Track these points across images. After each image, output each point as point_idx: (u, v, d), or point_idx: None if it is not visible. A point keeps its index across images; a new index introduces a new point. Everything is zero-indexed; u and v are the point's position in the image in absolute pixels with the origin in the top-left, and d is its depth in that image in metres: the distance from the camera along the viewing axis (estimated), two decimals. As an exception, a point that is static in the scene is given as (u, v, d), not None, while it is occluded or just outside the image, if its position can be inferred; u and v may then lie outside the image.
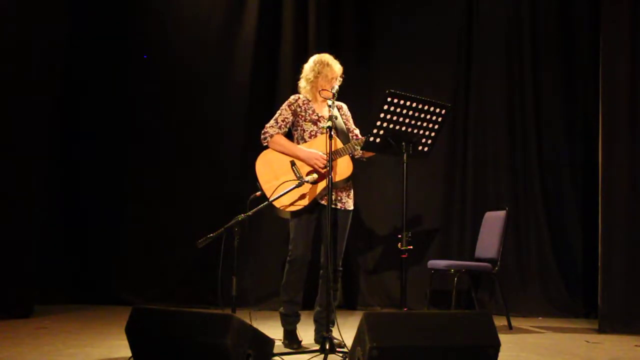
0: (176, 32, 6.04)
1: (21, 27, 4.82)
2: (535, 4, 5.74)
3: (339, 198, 3.72)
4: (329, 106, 3.45)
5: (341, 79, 3.79)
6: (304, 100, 3.80)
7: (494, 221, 4.91)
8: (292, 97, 3.84)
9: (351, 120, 3.94)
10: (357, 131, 3.90)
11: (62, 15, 5.27)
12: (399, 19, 5.96)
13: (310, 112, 3.77)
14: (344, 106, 3.95)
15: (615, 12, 4.70)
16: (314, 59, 3.84)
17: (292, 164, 3.65)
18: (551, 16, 5.72)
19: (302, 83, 3.85)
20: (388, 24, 5.98)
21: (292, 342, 3.67)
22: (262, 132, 3.77)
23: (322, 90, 3.73)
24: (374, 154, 3.67)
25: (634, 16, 4.65)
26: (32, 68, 4.89)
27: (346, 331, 3.51)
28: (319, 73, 3.77)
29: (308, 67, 3.84)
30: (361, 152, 3.73)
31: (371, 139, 3.32)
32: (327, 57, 3.81)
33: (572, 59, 5.69)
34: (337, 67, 3.79)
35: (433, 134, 3.43)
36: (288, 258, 3.70)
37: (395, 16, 5.97)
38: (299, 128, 3.79)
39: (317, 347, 3.49)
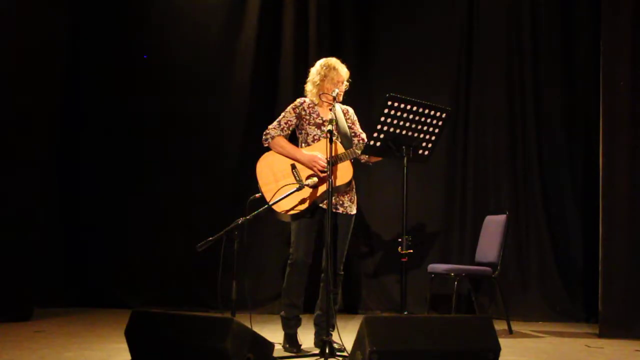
0: (176, 36, 6.04)
1: (21, 27, 4.83)
2: (536, 4, 5.73)
3: (341, 202, 3.71)
4: (330, 109, 3.44)
5: (348, 84, 3.79)
6: (309, 104, 3.79)
7: (494, 225, 4.90)
8: (298, 100, 3.83)
9: (357, 124, 3.92)
10: (363, 135, 3.86)
11: (62, 17, 5.29)
12: (399, 22, 5.95)
13: (314, 115, 3.76)
14: (350, 110, 3.93)
15: (616, 10, 4.69)
16: (320, 62, 3.83)
17: (293, 167, 3.64)
18: (552, 15, 5.71)
19: (309, 86, 3.84)
20: (388, 26, 5.97)
21: (292, 345, 3.66)
22: (264, 132, 3.75)
23: (323, 94, 3.73)
24: (380, 158, 3.66)
25: (635, 15, 4.64)
26: (33, 69, 4.89)
27: (346, 335, 3.50)
28: (325, 76, 3.75)
29: (314, 71, 3.82)
30: (367, 156, 3.72)
31: (371, 142, 3.32)
32: (333, 61, 3.80)
33: (573, 58, 5.67)
34: (343, 71, 3.79)
35: (433, 138, 3.43)
36: (289, 261, 3.69)
37: (395, 18, 5.96)
38: (303, 131, 3.78)
39: (317, 350, 3.49)
